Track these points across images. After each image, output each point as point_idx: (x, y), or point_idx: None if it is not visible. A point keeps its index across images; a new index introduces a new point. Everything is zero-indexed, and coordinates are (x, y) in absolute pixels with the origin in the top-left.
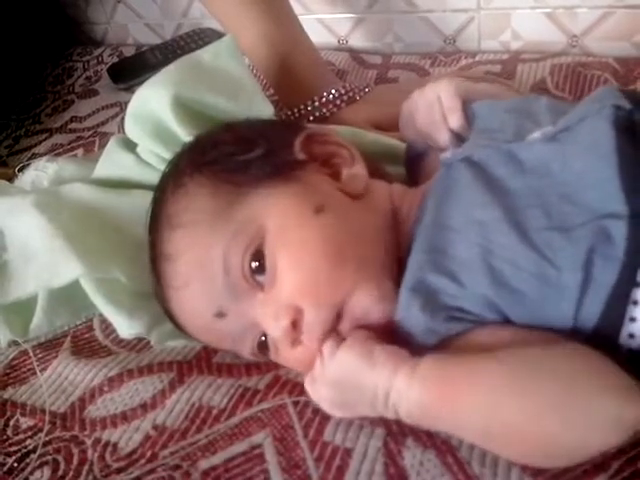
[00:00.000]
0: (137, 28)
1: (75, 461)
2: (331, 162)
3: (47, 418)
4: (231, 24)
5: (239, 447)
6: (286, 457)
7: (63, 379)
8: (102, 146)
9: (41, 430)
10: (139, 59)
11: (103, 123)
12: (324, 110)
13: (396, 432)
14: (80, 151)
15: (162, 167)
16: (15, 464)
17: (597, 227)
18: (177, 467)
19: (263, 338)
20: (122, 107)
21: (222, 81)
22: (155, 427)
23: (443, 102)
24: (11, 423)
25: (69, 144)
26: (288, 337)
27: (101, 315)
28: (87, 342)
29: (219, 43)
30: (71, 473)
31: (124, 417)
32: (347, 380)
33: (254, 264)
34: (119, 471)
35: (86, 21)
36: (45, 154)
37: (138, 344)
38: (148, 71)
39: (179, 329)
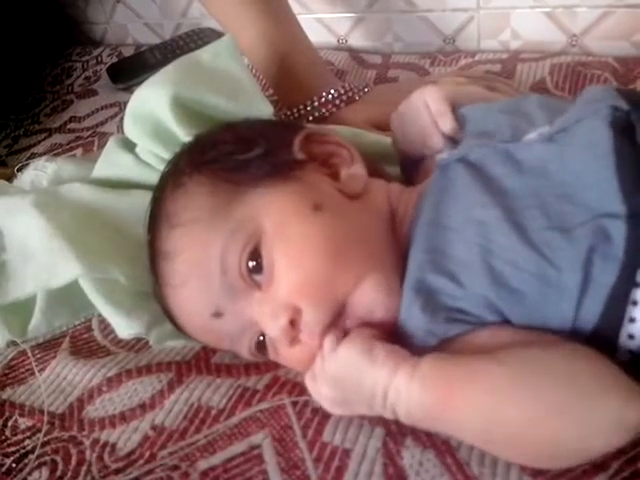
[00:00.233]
0: (136, 28)
1: (73, 462)
2: (330, 162)
3: (45, 418)
4: (230, 24)
5: (238, 447)
6: (285, 457)
7: (62, 379)
8: (101, 146)
9: (39, 430)
10: (138, 59)
11: (102, 123)
12: (323, 110)
13: (395, 432)
14: (79, 151)
15: (161, 167)
16: (13, 465)
17: (596, 227)
18: (176, 467)
19: (261, 338)
20: (121, 107)
21: (221, 81)
22: (154, 427)
23: (431, 107)
24: (9, 423)
25: (68, 144)
26: (286, 336)
27: (100, 315)
28: (86, 342)
29: (218, 43)
30: (69, 474)
31: (123, 417)
32: (347, 377)
33: (251, 263)
34: (117, 472)
35: (85, 21)
36: (44, 154)
37: (137, 344)
38: (147, 71)
39: (178, 329)
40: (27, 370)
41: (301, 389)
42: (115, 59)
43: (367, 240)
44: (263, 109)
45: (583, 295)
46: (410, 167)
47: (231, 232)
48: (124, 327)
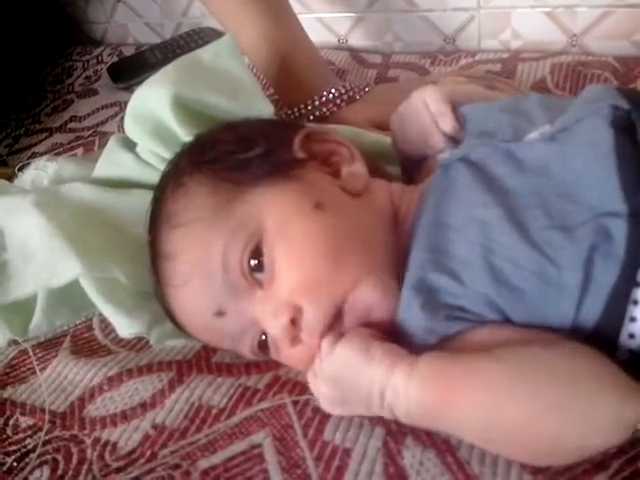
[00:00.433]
0: (137, 27)
1: (74, 460)
2: (331, 160)
3: (47, 417)
4: (231, 23)
5: (239, 447)
6: (286, 457)
7: (63, 378)
8: (102, 145)
9: (41, 429)
10: (139, 58)
11: (103, 122)
12: (324, 109)
13: (395, 431)
14: (80, 150)
15: (162, 167)
16: (15, 463)
17: (597, 226)
18: (177, 466)
19: (263, 337)
20: (122, 107)
21: (222, 80)
22: (155, 426)
23: (431, 107)
24: (11, 422)
25: (69, 143)
26: (287, 335)
27: (101, 315)
28: (87, 341)
29: (219, 42)
30: (70, 472)
31: (124, 416)
32: (344, 376)
33: (253, 262)
34: (118, 470)
35: (86, 20)
36: (45, 153)
37: (138, 343)
38: (148, 70)
39: (179, 328)
40: (28, 369)
41: (302, 388)
42: (116, 59)
43: (368, 239)
44: (264, 108)
45: (584, 294)
46: (410, 167)
47: (232, 231)
48: (125, 326)
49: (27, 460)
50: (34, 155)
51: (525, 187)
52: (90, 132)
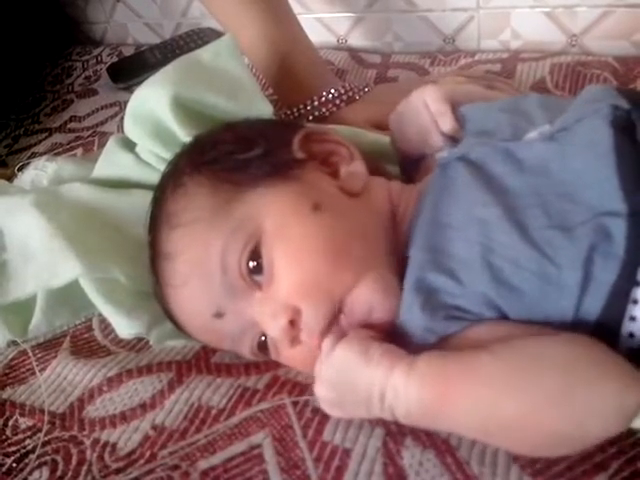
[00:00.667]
0: (136, 27)
1: (74, 461)
2: (330, 160)
3: (46, 418)
4: (230, 23)
5: (238, 447)
6: (285, 457)
7: (62, 379)
8: (101, 146)
9: (40, 430)
10: (138, 59)
11: (102, 123)
12: (323, 110)
13: (395, 432)
14: (79, 151)
15: (161, 167)
16: (14, 464)
17: (597, 225)
18: (176, 467)
19: (263, 338)
20: (121, 107)
21: (221, 81)
22: (154, 427)
23: (430, 107)
24: (10, 423)
25: (68, 144)
26: (286, 336)
27: (100, 315)
28: (86, 342)
29: (218, 43)
30: (70, 473)
31: (123, 417)
32: (343, 378)
33: (252, 263)
34: (118, 471)
35: (85, 20)
36: (44, 153)
37: (137, 344)
38: (147, 71)
39: (179, 329)
40: (28, 370)
41: (301, 389)
42: (115, 59)
43: (366, 239)
44: (263, 109)
45: (583, 293)
46: (410, 166)
47: (231, 232)
48: (124, 327)
49: (26, 461)
50: (34, 155)
51: (524, 186)
52: (90, 132)
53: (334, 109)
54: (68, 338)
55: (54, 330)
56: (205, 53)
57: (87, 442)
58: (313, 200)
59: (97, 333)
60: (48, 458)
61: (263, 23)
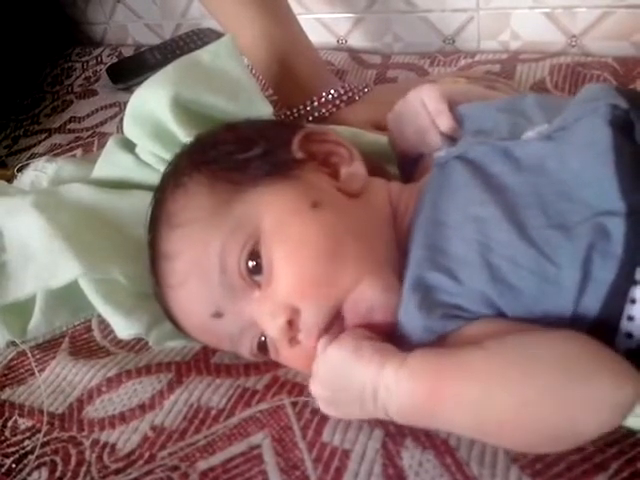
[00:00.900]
0: (136, 28)
1: (73, 462)
2: (330, 161)
3: (45, 419)
4: (230, 24)
5: (238, 448)
6: (284, 458)
7: (61, 380)
8: (101, 146)
9: (39, 431)
10: (138, 59)
11: (102, 123)
12: (323, 110)
13: (395, 433)
14: (79, 151)
15: (161, 167)
16: (13, 465)
17: (595, 224)
18: (175, 468)
19: (263, 338)
20: (121, 107)
21: (221, 81)
22: (153, 428)
23: (428, 106)
24: (9, 424)
25: (68, 144)
26: (285, 336)
27: (99, 316)
28: (85, 343)
29: (218, 43)
30: (69, 474)
31: (122, 418)
32: (336, 377)
33: (251, 263)
34: (117, 472)
35: (85, 21)
36: (44, 154)
37: (136, 345)
38: (147, 71)
39: (178, 329)
40: (27, 370)
41: (301, 389)
42: (115, 59)
43: (366, 239)
44: (263, 109)
45: (582, 292)
46: (408, 166)
47: (230, 231)
48: (123, 327)
49: (25, 462)
50: (33, 156)
51: (523, 185)
52: (89, 133)
53: (334, 110)
54: (67, 339)
55: (53, 331)
56: (205, 54)
57: (86, 443)
58: (312, 199)
59: (96, 334)
60: (47, 459)
61: (263, 23)
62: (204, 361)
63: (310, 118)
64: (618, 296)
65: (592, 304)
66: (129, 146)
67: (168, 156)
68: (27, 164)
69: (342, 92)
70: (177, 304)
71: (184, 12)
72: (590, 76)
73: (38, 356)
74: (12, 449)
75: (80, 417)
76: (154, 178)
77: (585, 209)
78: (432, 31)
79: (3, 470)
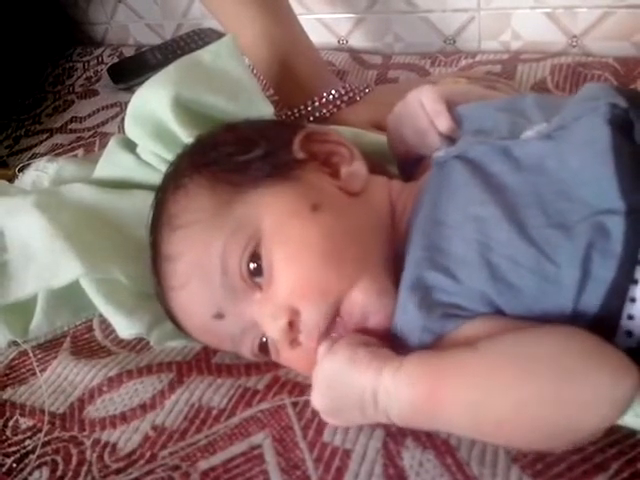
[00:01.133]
0: (137, 28)
1: (74, 462)
2: (330, 161)
3: (46, 418)
4: (231, 24)
5: (238, 448)
6: (285, 458)
7: (62, 379)
8: (102, 146)
9: (40, 430)
10: (139, 59)
11: (103, 123)
12: (324, 110)
13: (395, 433)
14: (80, 151)
15: (162, 167)
16: (14, 465)
17: (595, 223)
18: (176, 468)
19: (264, 339)
20: (122, 107)
21: (222, 81)
22: (154, 428)
23: (427, 107)
24: (10, 424)
25: (69, 144)
26: (286, 338)
27: (101, 315)
28: (87, 342)
29: (219, 43)
30: (70, 474)
31: (123, 418)
32: (335, 387)
33: (252, 265)
34: (118, 472)
35: (86, 21)
36: (45, 154)
37: (138, 344)
38: (148, 71)
39: (180, 330)
40: (28, 370)
41: (301, 389)
42: (116, 59)
43: (365, 240)
44: (264, 109)
45: (581, 291)
46: (408, 168)
47: (231, 233)
48: (125, 327)
49: (26, 461)
50: (35, 156)
51: (522, 185)
52: (90, 133)
53: (335, 110)
54: (68, 338)
55: (54, 330)
56: (206, 54)
57: (87, 442)
58: (312, 201)
59: (97, 333)
60: (48, 458)
61: (264, 23)
62: (205, 361)
63: (311, 118)
64: (618, 295)
65: (592, 303)
66: (130, 146)
67: (169, 156)
68: (28, 164)
69: (343, 92)
70: (179, 305)
71: (185, 12)
72: (591, 76)
73: (39, 356)
74: (13, 449)
75: (81, 417)
76: (155, 178)
77: (584, 208)
78: (433, 31)
79: (4, 470)
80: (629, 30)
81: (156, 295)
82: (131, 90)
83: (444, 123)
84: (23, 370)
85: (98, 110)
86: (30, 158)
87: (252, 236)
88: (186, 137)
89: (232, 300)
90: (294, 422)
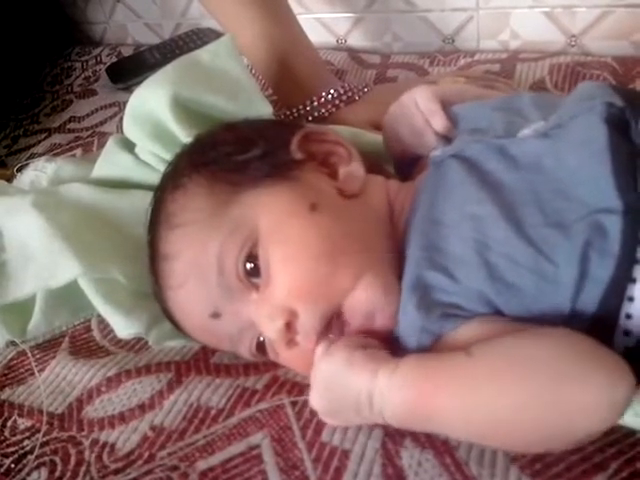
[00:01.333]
0: (136, 28)
1: (72, 462)
2: (329, 161)
3: (45, 419)
4: (229, 24)
5: (237, 448)
6: (284, 458)
7: (61, 380)
8: (101, 146)
9: (39, 431)
10: (138, 59)
11: (102, 123)
12: (323, 110)
13: (394, 433)
14: (79, 151)
15: (161, 167)
16: (12, 465)
17: (592, 222)
18: (175, 468)
19: (261, 338)
20: (121, 107)
21: (221, 81)
22: (153, 428)
23: (422, 107)
24: (9, 424)
25: (68, 144)
26: (283, 338)
27: (99, 315)
28: (85, 342)
29: (218, 43)
30: (68, 474)
31: (122, 418)
32: (332, 389)
33: (249, 265)
34: (116, 472)
35: (85, 21)
36: (44, 154)
37: (136, 344)
38: (147, 71)
39: (178, 329)
40: (26, 370)
41: (300, 389)
42: (114, 59)
43: (364, 240)
44: (262, 109)
45: (579, 290)
46: (406, 168)
47: (228, 233)
48: (123, 327)
49: (25, 462)
50: (33, 156)
51: (519, 183)
52: (89, 132)
53: (333, 109)
54: (67, 338)
55: (53, 330)
56: (204, 53)
57: (86, 443)
58: (310, 201)
59: (96, 333)
60: (47, 459)
61: (262, 23)
62: (204, 361)
63: (310, 118)
64: (616, 294)
65: (590, 302)
66: (129, 146)
67: (168, 156)
68: (27, 164)
69: (342, 92)
70: (176, 305)
71: (184, 12)
72: (590, 76)
73: (38, 356)
74: (11, 449)
75: (80, 417)
76: (154, 178)
77: (582, 207)
78: (432, 31)
79: (2, 470)
80: (628, 29)
81: (154, 294)
82: (130, 90)
83: (440, 122)
84: (21, 370)
85: (96, 110)
86: (28, 158)
87: (249, 236)
88: (185, 137)
89: (229, 300)
90: (293, 422)
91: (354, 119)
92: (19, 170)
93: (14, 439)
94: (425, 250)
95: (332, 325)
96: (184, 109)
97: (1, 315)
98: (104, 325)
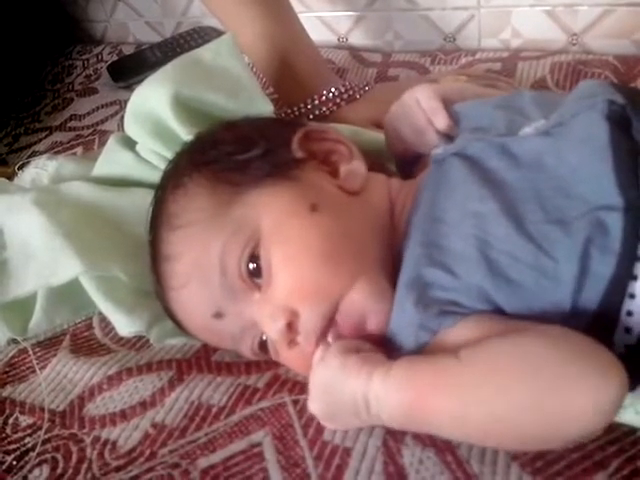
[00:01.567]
0: (137, 26)
1: (74, 459)
2: (330, 159)
3: (46, 416)
4: (231, 22)
5: (238, 445)
6: (285, 456)
7: (62, 377)
8: (102, 144)
9: (40, 428)
10: (139, 57)
11: (102, 121)
12: (324, 109)
13: (395, 431)
14: (80, 149)
15: (162, 165)
16: (14, 462)
17: (593, 219)
18: (176, 465)
19: (264, 338)
20: (121, 105)
21: (222, 79)
22: (154, 425)
23: (424, 106)
24: (10, 421)
25: (69, 142)
26: (284, 339)
27: (100, 313)
28: (86, 340)
29: (219, 41)
30: (70, 471)
31: (123, 415)
32: (329, 394)
33: (252, 265)
34: (118, 469)
35: (86, 19)
36: (45, 152)
37: (137, 342)
38: (148, 69)
39: (181, 329)
40: (28, 368)
41: (302, 387)
42: (115, 57)
43: (364, 240)
44: (263, 107)
45: (580, 287)
46: (408, 167)
47: (231, 234)
48: (125, 325)
49: (26, 459)
50: (34, 154)
51: (520, 181)
52: (90, 131)
53: (334, 108)
54: (68, 336)
55: (54, 328)
56: (205, 52)
57: (87, 440)
58: (311, 201)
59: (97, 331)
60: (48, 456)
61: (263, 22)
62: (205, 359)
63: (310, 116)
64: (617, 291)
65: (591, 299)
66: (130, 144)
67: (169, 154)
68: (28, 162)
69: (343, 90)
70: (178, 305)
71: (185, 10)
72: (591, 74)
73: (39, 354)
74: (13, 446)
75: (81, 414)
76: (155, 176)
77: (583, 204)
78: (433, 29)
79: (4, 467)
80: (629, 28)
81: (155, 294)
82: (130, 88)
83: (441, 121)
84: (23, 368)
85: (97, 108)
86: (29, 156)
87: (251, 236)
88: (185, 135)
89: (231, 300)
90: (294, 420)
91: (355, 117)
92: (20, 168)
93: (16, 436)
94: (425, 247)
95: (331, 326)
96: (185, 107)
97: (2, 313)
98: (105, 323)
